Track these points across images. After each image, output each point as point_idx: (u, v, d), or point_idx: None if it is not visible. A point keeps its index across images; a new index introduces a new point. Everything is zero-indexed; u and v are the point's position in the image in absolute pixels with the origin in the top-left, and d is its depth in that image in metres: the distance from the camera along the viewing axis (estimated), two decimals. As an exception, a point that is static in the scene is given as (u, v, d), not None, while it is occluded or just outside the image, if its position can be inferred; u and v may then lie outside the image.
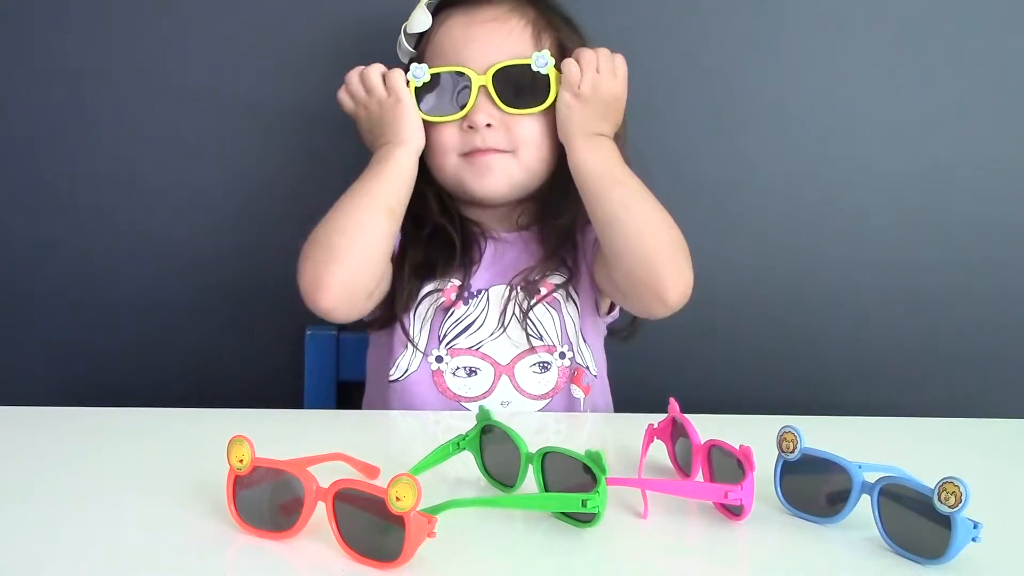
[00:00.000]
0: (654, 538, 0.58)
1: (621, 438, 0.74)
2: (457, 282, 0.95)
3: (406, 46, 0.96)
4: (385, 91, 0.91)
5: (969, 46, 1.10)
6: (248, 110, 1.13)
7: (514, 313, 0.94)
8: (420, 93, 0.92)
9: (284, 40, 1.11)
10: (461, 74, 0.91)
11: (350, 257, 0.88)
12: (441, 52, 0.94)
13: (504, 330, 0.95)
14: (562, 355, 0.95)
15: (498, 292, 0.96)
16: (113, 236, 1.15)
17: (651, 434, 0.69)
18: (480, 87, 0.90)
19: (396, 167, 0.91)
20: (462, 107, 0.91)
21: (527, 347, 0.94)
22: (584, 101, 0.90)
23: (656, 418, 0.69)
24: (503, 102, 0.91)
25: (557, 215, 0.96)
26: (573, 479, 0.58)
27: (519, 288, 0.95)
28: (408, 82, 0.92)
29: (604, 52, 0.92)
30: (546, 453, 0.60)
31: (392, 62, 0.96)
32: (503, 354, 0.95)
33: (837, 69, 1.11)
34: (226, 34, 1.11)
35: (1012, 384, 1.17)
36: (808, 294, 1.15)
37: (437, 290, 0.95)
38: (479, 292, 0.96)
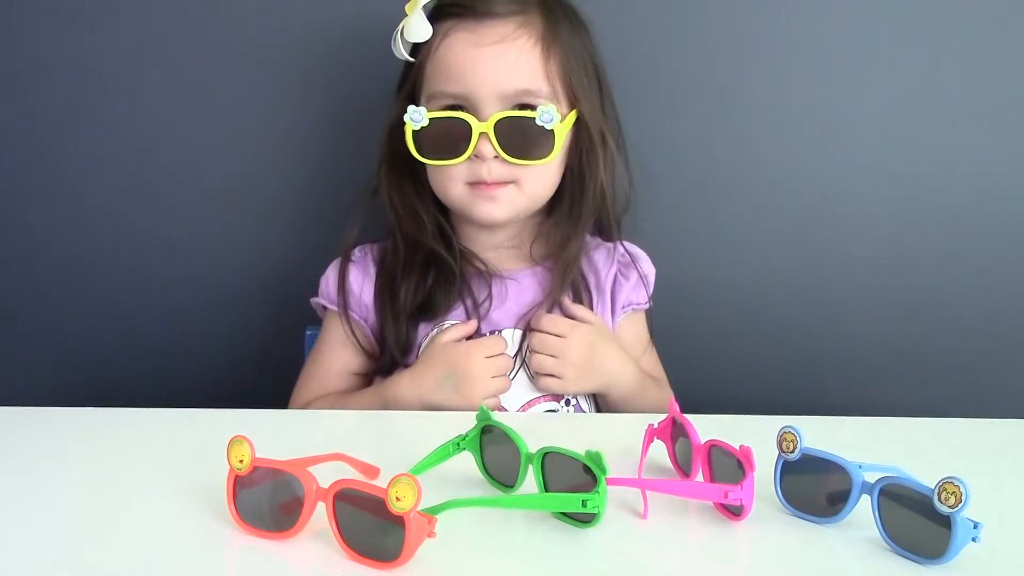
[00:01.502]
0: (654, 538, 0.58)
1: (621, 438, 0.74)
2: (473, 323, 0.93)
3: (402, 50, 0.92)
4: (495, 385, 0.89)
5: (970, 45, 1.10)
6: (251, 110, 1.13)
7: (525, 359, 0.93)
8: (419, 134, 0.90)
9: (290, 41, 1.11)
10: (462, 120, 0.88)
11: None
12: (445, 72, 0.90)
13: (515, 377, 0.92)
14: (568, 402, 0.94)
15: (511, 336, 0.94)
16: (113, 236, 1.15)
17: (651, 434, 0.69)
18: (481, 134, 0.88)
19: (399, 405, 0.89)
20: (463, 152, 0.88)
21: (537, 395, 0.93)
22: (574, 375, 0.91)
23: (656, 418, 0.69)
24: (505, 151, 0.88)
25: (567, 242, 0.95)
26: (573, 479, 0.58)
27: (531, 333, 0.93)
28: (405, 124, 0.90)
29: (544, 339, 0.91)
30: (546, 453, 0.60)
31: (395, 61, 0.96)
32: (512, 401, 0.92)
33: (837, 68, 1.11)
34: (232, 35, 1.11)
35: (1012, 384, 1.17)
36: (808, 294, 1.15)
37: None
38: (491, 334, 0.94)
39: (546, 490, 0.60)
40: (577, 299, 0.96)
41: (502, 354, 0.90)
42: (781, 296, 1.15)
